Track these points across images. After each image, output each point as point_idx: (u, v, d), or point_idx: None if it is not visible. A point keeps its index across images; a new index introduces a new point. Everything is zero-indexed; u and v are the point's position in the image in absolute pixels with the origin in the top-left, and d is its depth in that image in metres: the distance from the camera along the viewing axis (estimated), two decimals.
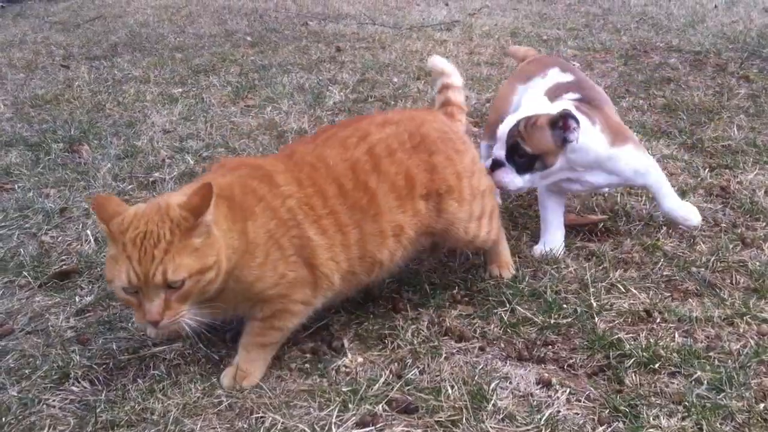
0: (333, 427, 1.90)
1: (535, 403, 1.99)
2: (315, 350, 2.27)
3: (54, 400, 2.06)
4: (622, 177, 2.79)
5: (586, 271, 2.61)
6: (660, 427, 1.88)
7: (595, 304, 2.41)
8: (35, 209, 3.25)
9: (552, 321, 2.33)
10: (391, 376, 2.11)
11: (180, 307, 1.85)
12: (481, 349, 2.24)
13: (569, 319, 2.34)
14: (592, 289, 2.50)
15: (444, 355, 2.19)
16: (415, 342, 2.26)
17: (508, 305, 2.42)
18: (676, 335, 2.27)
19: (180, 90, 5.04)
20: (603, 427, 1.90)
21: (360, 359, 2.21)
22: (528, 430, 1.89)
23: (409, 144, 2.30)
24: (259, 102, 4.75)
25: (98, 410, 2.00)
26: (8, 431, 1.94)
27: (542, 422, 1.91)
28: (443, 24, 7.29)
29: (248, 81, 5.23)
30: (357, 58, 5.86)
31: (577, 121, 2.59)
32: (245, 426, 1.94)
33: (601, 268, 2.65)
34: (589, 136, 2.66)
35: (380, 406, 1.98)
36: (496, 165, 2.68)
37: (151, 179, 3.53)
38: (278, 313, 2.11)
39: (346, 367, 2.18)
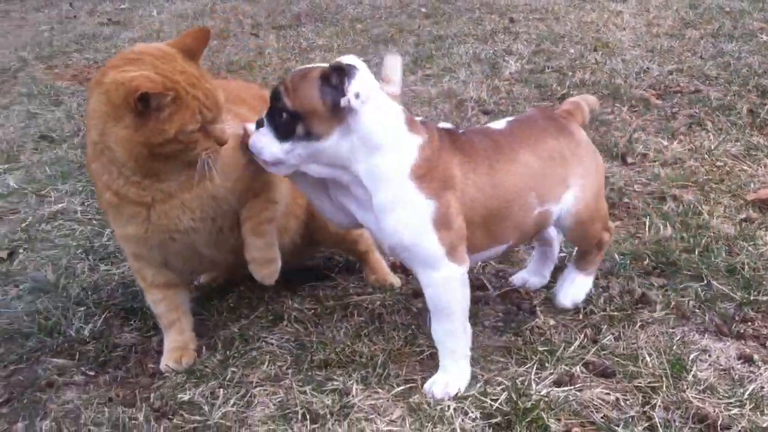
0: (532, 383, 1.94)
1: (737, 377, 1.94)
2: (506, 311, 2.31)
3: (272, 339, 2.21)
4: (384, 234, 1.91)
5: None
6: None
7: None
8: None
9: (751, 298, 2.26)
10: (585, 339, 2.12)
11: None
12: (677, 320, 2.20)
13: None
14: None
15: (639, 324, 2.17)
16: (608, 309, 2.25)
17: (704, 280, 2.36)
18: None
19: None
20: None
21: (552, 322, 2.23)
22: (730, 403, 1.85)
23: None
24: (437, 71, 4.80)
25: (311, 350, 2.13)
26: (233, 362, 2.11)
27: (745, 396, 1.86)
28: None
29: (425, 51, 5.29)
30: (531, 29, 5.78)
31: (361, 84, 1.77)
32: None
33: None
34: (387, 124, 1.85)
35: (577, 367, 2.00)
36: (257, 125, 1.93)
37: None
38: None
39: (539, 328, 2.20)
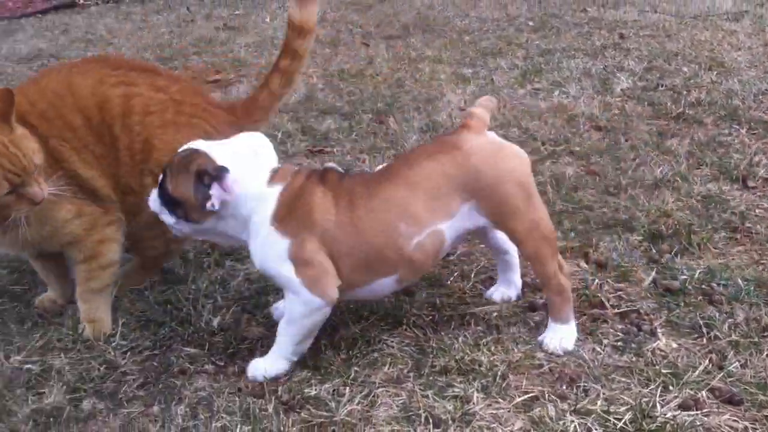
0: (657, 405, 1.91)
1: None
2: (626, 331, 2.28)
3: (392, 341, 2.24)
4: (256, 265, 2.15)
5: None
6: None
7: None
8: (352, 172, 3.52)
9: None
10: (710, 365, 2.07)
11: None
12: None
13: None
14: None
15: (766, 353, 2.11)
16: (733, 335, 2.19)
17: None
18: None
19: (470, 71, 5.17)
20: None
21: (674, 345, 2.19)
22: None
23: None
24: (546, 86, 4.76)
25: (431, 355, 2.15)
26: (356, 362, 2.15)
27: None
28: (729, 13, 6.85)
29: (534, 65, 5.25)
30: (642, 46, 5.67)
31: (225, 190, 1.98)
32: (567, 390, 2.00)
33: None
34: (251, 196, 2.05)
35: (702, 393, 1.96)
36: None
37: None
38: None
39: (661, 350, 2.16)
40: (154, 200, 2.13)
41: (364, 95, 4.69)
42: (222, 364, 2.20)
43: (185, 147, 2.09)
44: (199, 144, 2.09)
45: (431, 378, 2.06)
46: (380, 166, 2.27)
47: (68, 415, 1.98)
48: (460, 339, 2.23)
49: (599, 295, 2.44)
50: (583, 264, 2.62)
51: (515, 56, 5.53)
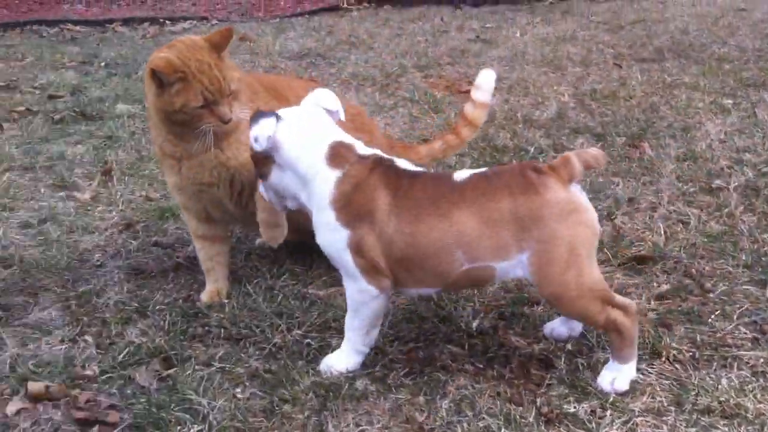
0: None
1: None
2: None
3: (651, 372, 2.21)
4: (321, 246, 2.23)
5: None
6: None
7: None
8: (606, 194, 3.48)
9: None
10: None
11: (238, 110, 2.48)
12: None
13: None
14: None
15: None
16: None
17: None
18: None
19: (730, 101, 4.92)
20: None
21: None
22: None
23: None
24: None
25: (692, 392, 2.10)
26: None
27: None
28: None
29: None
30: None
31: (259, 131, 2.12)
32: None
33: None
34: (305, 160, 2.17)
35: None
36: None
37: (713, 185, 3.53)
38: None
39: None
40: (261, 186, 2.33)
41: (617, 117, 4.62)
42: (481, 366, 2.27)
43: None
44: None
45: (694, 416, 2.01)
46: (460, 172, 2.19)
47: (345, 392, 2.14)
48: (723, 381, 2.15)
49: None
50: None
51: None
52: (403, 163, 2.23)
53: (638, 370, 2.21)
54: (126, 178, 3.84)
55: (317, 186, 2.16)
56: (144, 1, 10.34)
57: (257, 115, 2.16)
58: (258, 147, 2.15)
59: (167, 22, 8.45)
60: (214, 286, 2.69)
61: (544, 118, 4.65)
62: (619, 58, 6.23)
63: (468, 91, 5.33)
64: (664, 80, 5.47)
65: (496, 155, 3.99)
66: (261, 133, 2.12)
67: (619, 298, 2.15)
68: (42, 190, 3.71)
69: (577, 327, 2.38)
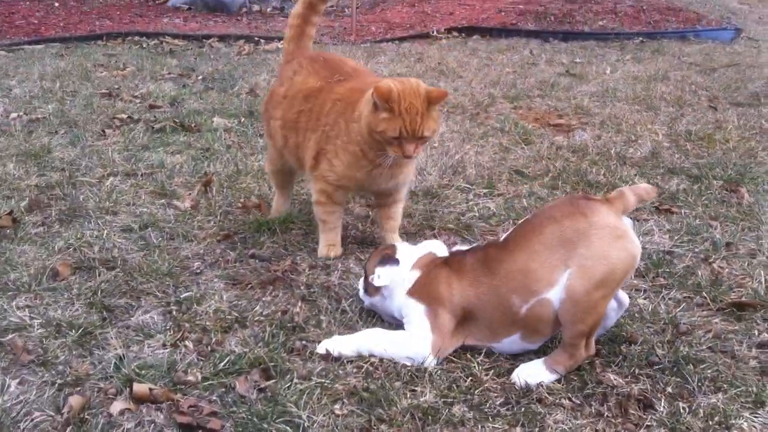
0: None
1: None
2: None
3: (755, 422, 2.15)
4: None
5: None
6: None
7: None
8: (703, 237, 3.41)
9: None
10: None
11: (421, 150, 2.91)
12: None
13: None
14: None
15: None
16: None
17: None
18: None
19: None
20: None
21: None
22: None
23: None
24: None
25: None
26: None
27: None
28: None
29: None
30: None
31: (384, 275, 2.53)
32: None
33: None
34: (399, 284, 2.56)
35: None
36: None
37: None
38: None
39: None
40: (361, 282, 2.72)
41: (713, 160, 4.52)
42: (578, 402, 2.25)
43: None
44: (399, 243, 2.74)
45: None
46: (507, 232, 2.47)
47: (443, 417, 2.15)
48: None
49: None
50: None
51: None
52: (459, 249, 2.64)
53: (741, 417, 2.15)
54: (224, 189, 3.94)
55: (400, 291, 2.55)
56: (240, 19, 10.64)
57: (387, 259, 2.56)
58: (377, 283, 2.53)
59: (261, 40, 8.66)
60: (333, 241, 3.21)
61: (638, 156, 4.59)
62: (713, 101, 6.11)
63: (558, 125, 5.33)
64: (761, 125, 5.34)
65: (589, 191, 3.95)
66: (384, 276, 2.52)
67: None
68: (143, 197, 3.83)
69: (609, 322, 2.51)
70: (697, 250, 3.30)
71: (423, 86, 2.85)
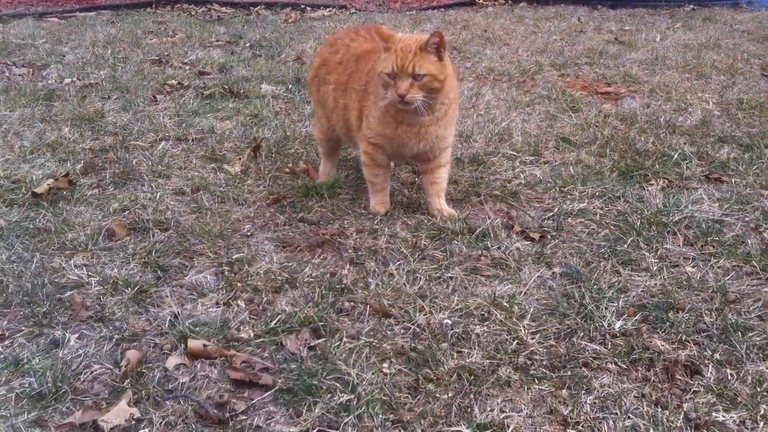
0: None
1: None
2: None
3: None
4: None
5: None
6: None
7: None
8: (753, 206, 3.35)
9: None
10: None
11: (418, 92, 2.93)
12: None
13: None
14: None
15: None
16: None
17: None
18: None
19: None
20: None
21: None
22: None
23: None
24: None
25: None
26: (762, 400, 2.08)
27: None
28: None
29: None
30: None
31: None
32: None
33: None
34: None
35: None
36: None
37: None
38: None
39: None
40: None
41: (765, 129, 4.42)
42: (624, 366, 2.25)
43: None
44: None
45: None
46: None
47: (489, 378, 2.17)
48: None
49: None
50: None
51: None
52: None
53: None
54: (273, 155, 3.98)
55: None
56: None
57: None
58: None
59: (308, 8, 8.65)
60: (384, 198, 3.35)
61: (687, 124, 4.50)
62: (766, 69, 5.95)
63: (606, 93, 5.25)
64: None
65: (638, 158, 3.90)
66: None
67: None
68: (194, 161, 3.89)
69: None
70: (747, 219, 3.24)
71: (423, 36, 3.01)
